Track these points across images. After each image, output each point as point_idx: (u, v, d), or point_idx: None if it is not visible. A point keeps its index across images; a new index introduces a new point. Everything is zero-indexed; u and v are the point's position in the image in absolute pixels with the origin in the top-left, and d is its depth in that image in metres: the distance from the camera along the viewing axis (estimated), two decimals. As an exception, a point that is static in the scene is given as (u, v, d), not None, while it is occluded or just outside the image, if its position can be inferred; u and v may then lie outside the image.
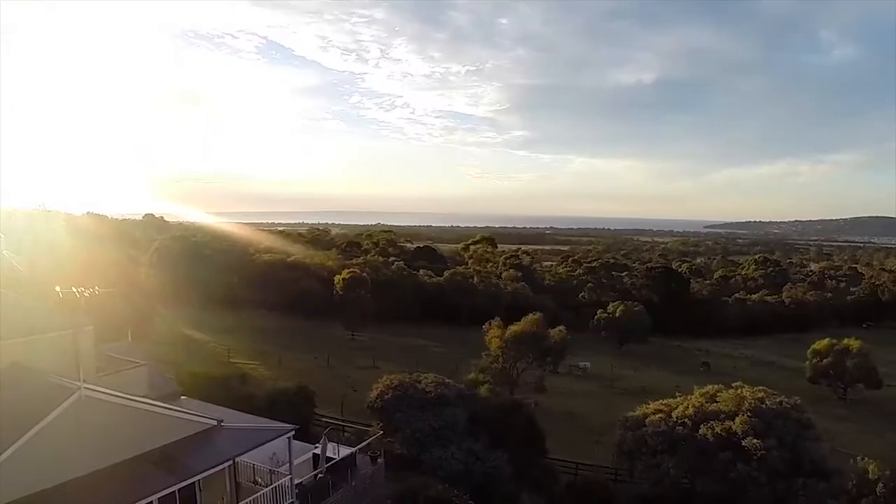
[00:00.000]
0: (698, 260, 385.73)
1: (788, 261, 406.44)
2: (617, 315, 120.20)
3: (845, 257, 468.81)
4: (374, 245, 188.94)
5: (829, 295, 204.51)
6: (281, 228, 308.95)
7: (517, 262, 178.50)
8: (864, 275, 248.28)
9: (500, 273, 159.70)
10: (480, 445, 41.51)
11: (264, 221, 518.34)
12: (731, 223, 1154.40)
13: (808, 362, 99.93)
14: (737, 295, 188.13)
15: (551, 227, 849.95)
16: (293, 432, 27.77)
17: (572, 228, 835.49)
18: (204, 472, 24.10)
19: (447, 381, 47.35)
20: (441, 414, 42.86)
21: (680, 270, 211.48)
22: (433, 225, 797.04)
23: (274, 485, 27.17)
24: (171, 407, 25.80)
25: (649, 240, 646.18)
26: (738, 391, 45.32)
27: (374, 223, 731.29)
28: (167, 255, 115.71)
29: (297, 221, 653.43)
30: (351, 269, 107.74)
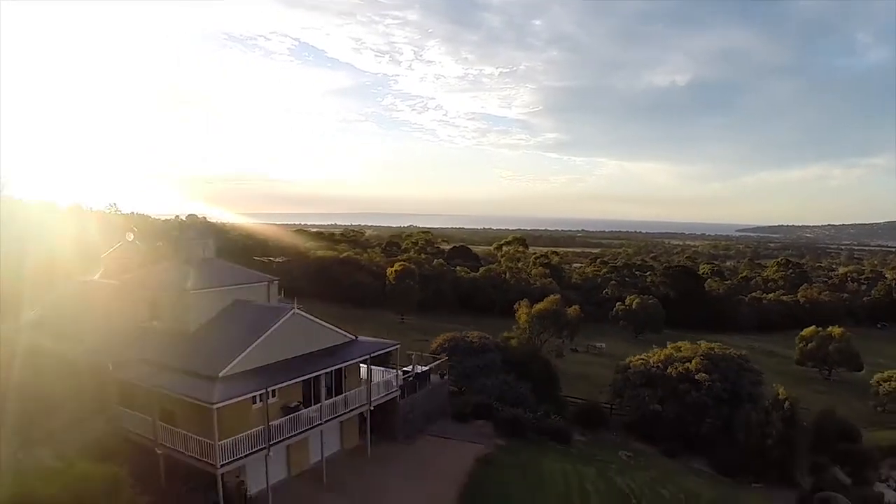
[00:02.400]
0: (727, 263, 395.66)
1: (818, 265, 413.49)
2: (633, 307, 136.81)
3: (875, 261, 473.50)
4: (413, 244, 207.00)
5: (846, 296, 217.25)
6: (315, 230, 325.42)
7: (546, 261, 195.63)
8: (887, 278, 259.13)
9: (531, 271, 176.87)
10: (511, 378, 59.82)
11: (296, 223, 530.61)
12: (764, 227, 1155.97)
13: (796, 347, 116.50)
14: (753, 294, 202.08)
15: (583, 230, 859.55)
16: (398, 346, 46.39)
17: (604, 232, 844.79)
18: (350, 360, 42.72)
19: (487, 336, 65.92)
20: (483, 357, 61.30)
21: (700, 271, 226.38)
22: (465, 227, 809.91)
23: (388, 377, 45.77)
24: (334, 326, 44.30)
25: (680, 243, 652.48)
26: (697, 344, 63.06)
27: (406, 225, 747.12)
28: (232, 251, 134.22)
29: (329, 223, 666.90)
30: (401, 262, 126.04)
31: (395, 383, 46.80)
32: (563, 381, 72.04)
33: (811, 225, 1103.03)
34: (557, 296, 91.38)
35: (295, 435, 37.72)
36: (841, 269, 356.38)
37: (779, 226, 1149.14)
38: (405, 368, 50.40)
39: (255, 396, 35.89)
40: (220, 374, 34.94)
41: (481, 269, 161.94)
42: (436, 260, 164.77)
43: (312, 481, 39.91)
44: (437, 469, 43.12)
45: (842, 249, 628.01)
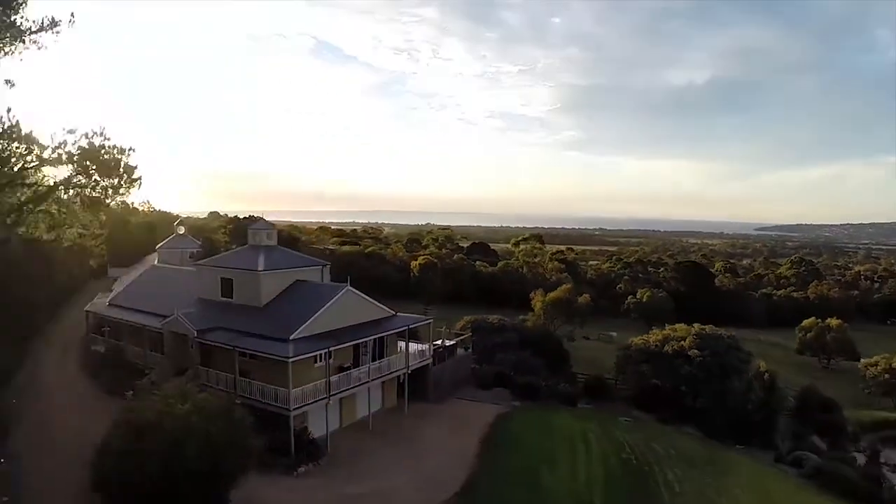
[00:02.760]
0: (744, 261, 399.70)
1: (834, 263, 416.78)
2: (644, 300, 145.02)
3: (892, 260, 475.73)
4: (433, 241, 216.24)
5: (856, 293, 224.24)
6: (334, 227, 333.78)
7: (563, 257, 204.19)
8: None
9: (547, 266, 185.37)
10: (527, 354, 68.54)
11: (314, 220, 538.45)
12: (783, 226, 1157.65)
13: (796, 337, 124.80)
14: (763, 290, 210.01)
15: (600, 229, 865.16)
16: (431, 320, 55.17)
17: (621, 230, 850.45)
18: (390, 331, 51.64)
19: (506, 319, 74.88)
20: (502, 335, 70.21)
21: (713, 269, 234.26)
22: (482, 225, 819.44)
23: (422, 348, 54.60)
24: (377, 303, 53.18)
25: (698, 242, 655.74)
26: (691, 326, 71.42)
27: (423, 223, 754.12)
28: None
29: (347, 220, 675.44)
30: (425, 256, 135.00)
31: (427, 353, 55.61)
32: (574, 364, 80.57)
33: (830, 224, 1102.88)
34: (569, 285, 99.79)
35: (348, 389, 46.70)
36: (856, 268, 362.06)
37: (797, 224, 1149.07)
38: (436, 342, 59.14)
39: (316, 356, 44.66)
40: (291, 337, 43.82)
41: (499, 264, 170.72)
42: (456, 255, 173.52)
43: (360, 430, 48.86)
44: (464, 422, 52.05)
45: (860, 248, 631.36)
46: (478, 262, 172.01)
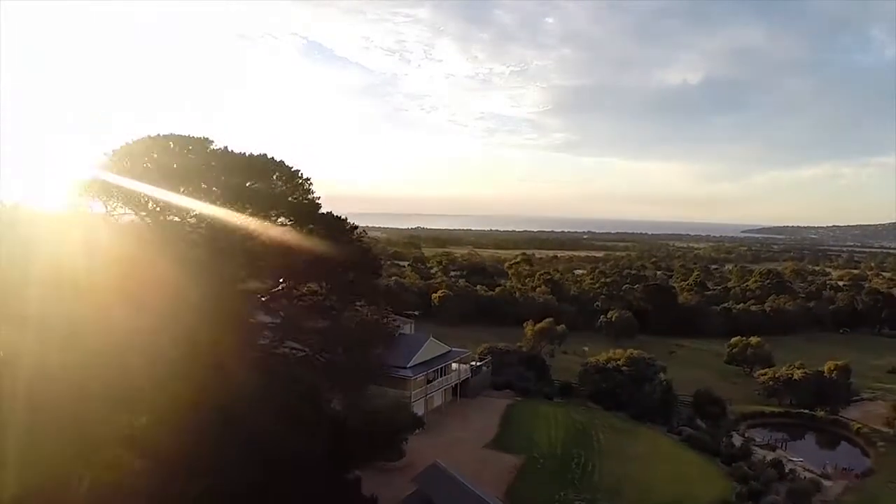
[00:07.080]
0: (727, 267, 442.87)
1: (815, 268, 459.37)
2: (613, 320, 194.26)
3: (872, 264, 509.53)
4: (438, 264, 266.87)
5: (812, 304, 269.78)
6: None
7: (549, 277, 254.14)
8: (864, 286, 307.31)
9: (535, 287, 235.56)
10: (522, 368, 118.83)
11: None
12: (769, 227, 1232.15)
13: (725, 351, 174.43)
14: (724, 304, 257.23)
15: (589, 232, 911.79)
16: (469, 352, 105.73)
17: (610, 233, 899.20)
18: (450, 360, 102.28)
19: (509, 344, 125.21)
20: (507, 357, 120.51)
21: (684, 282, 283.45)
22: (472, 229, 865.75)
23: (465, 367, 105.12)
24: (442, 343, 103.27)
25: (684, 245, 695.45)
26: (626, 351, 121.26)
27: (413, 226, 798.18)
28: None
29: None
30: (442, 290, 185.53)
31: (468, 370, 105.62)
32: (553, 373, 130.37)
33: (816, 226, 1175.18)
34: (551, 319, 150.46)
35: (432, 392, 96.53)
36: (834, 273, 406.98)
37: (783, 226, 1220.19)
38: (471, 363, 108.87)
39: (420, 375, 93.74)
40: (408, 365, 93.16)
41: (497, 289, 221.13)
42: (461, 281, 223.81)
43: (437, 413, 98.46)
44: (490, 408, 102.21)
45: (843, 251, 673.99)
46: (478, 287, 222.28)
